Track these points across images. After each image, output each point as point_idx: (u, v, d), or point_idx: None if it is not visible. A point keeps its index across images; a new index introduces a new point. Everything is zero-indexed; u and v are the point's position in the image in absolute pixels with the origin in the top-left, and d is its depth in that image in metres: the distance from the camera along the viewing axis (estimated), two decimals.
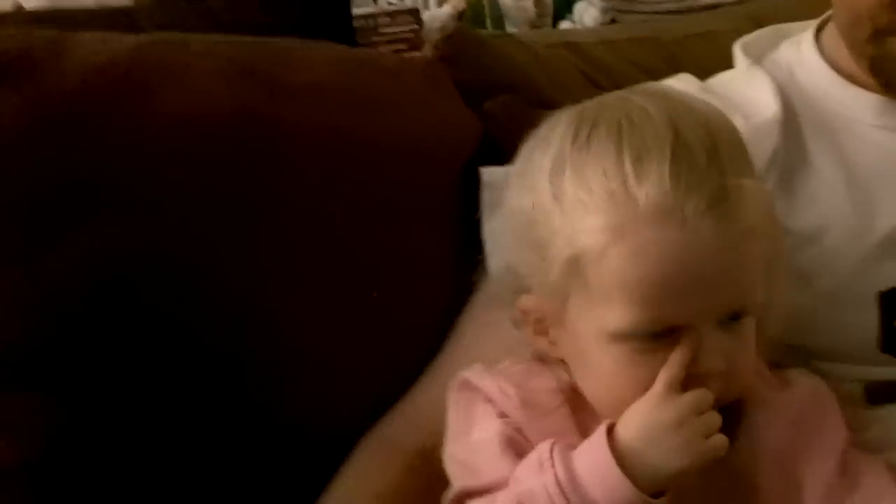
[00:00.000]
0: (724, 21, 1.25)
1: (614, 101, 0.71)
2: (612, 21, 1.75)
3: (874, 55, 0.81)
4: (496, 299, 0.77)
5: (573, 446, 0.67)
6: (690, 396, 0.65)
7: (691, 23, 1.34)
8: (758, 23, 1.02)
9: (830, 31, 0.88)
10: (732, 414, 0.70)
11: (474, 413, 0.73)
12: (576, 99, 0.73)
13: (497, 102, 0.96)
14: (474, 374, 0.75)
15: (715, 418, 0.65)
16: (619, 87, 0.85)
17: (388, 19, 1.55)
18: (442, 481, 0.73)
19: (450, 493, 0.71)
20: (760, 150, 0.81)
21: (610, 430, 0.66)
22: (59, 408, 0.79)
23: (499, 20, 1.92)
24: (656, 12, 1.72)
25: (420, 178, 0.93)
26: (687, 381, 0.66)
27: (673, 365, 0.66)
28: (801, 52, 0.90)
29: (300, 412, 0.86)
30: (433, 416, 0.79)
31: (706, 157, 0.65)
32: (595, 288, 0.66)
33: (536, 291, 0.71)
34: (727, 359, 0.67)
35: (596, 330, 0.67)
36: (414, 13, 1.60)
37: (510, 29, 1.90)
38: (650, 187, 0.64)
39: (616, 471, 0.64)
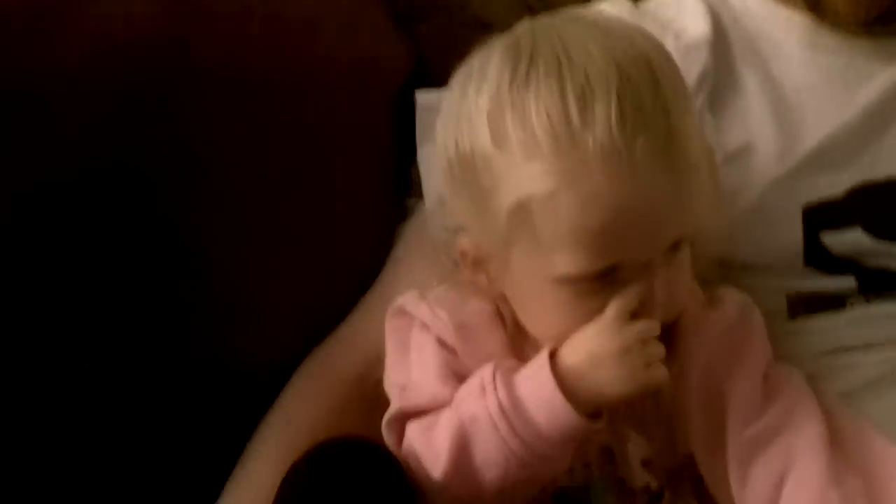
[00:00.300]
0: None
1: (549, 32, 0.68)
2: None
3: None
4: (431, 232, 0.78)
5: (514, 370, 0.68)
6: (639, 325, 0.66)
7: None
8: None
9: None
10: (664, 333, 0.71)
11: (411, 339, 0.75)
12: (507, 19, 0.72)
13: (431, 25, 0.95)
14: (409, 301, 0.76)
15: (659, 348, 0.67)
16: (550, 5, 0.85)
17: None
18: (380, 407, 0.74)
19: (387, 415, 0.72)
20: (690, 69, 0.82)
21: (552, 355, 0.67)
22: None
23: None
24: None
25: (351, 105, 0.91)
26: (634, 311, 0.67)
27: (627, 295, 0.66)
28: None
29: (233, 344, 0.86)
30: (370, 342, 0.80)
31: (651, 97, 0.64)
32: (542, 234, 0.65)
33: (475, 235, 0.70)
34: (669, 288, 0.68)
35: (542, 274, 0.67)
36: None
37: None
38: (597, 131, 0.63)
39: (558, 395, 0.65)
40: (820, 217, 0.80)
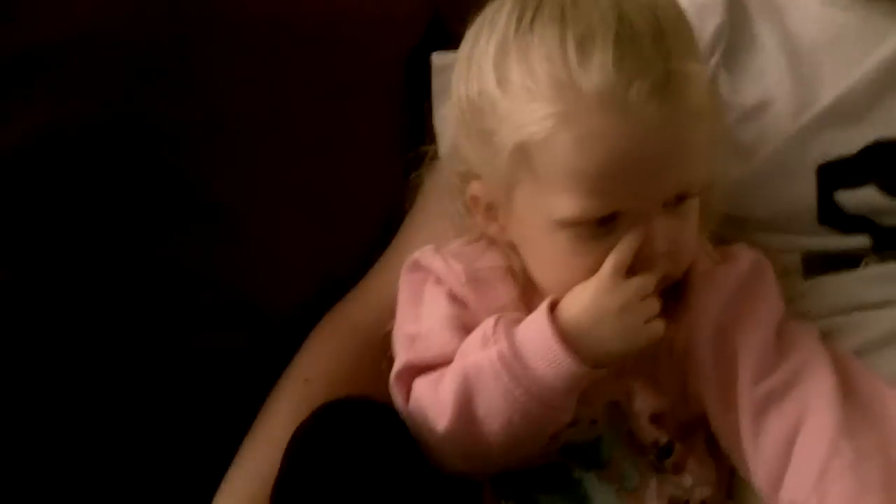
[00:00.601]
0: None
1: None
2: None
3: None
4: (446, 184, 0.78)
5: (518, 320, 0.69)
6: (636, 282, 0.67)
7: None
8: None
9: None
10: (676, 287, 0.72)
11: (423, 291, 0.75)
12: None
13: None
14: (424, 255, 0.77)
15: (655, 304, 0.68)
16: None
17: None
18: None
19: (394, 369, 0.73)
20: (705, 26, 0.82)
21: (553, 307, 0.68)
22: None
23: None
24: None
25: (364, 56, 0.91)
26: (634, 264, 0.68)
27: (622, 249, 0.67)
28: None
29: (248, 292, 0.87)
30: (387, 298, 0.81)
31: (651, 41, 0.65)
32: (542, 176, 0.67)
33: (485, 179, 0.71)
34: (673, 240, 0.68)
35: (543, 217, 0.68)
36: None
37: None
38: (594, 74, 0.64)
39: (557, 343, 0.66)
40: (834, 175, 0.80)
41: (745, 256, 0.75)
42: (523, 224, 0.71)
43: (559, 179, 0.66)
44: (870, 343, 0.76)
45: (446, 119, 0.83)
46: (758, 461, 0.70)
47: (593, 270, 0.68)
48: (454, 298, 0.74)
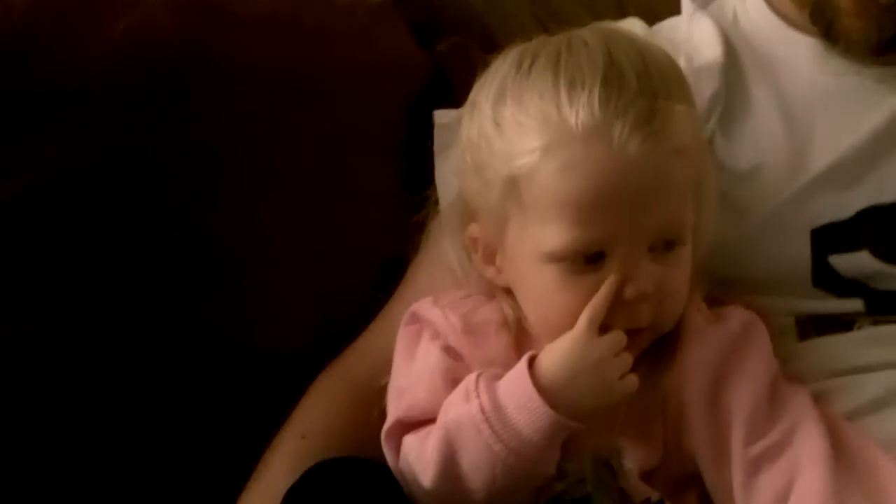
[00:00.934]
0: None
1: (559, 36, 0.74)
2: None
3: (814, 2, 0.83)
4: (448, 229, 0.80)
5: (499, 376, 0.70)
6: (610, 338, 0.68)
7: None
8: None
9: None
10: (667, 343, 0.73)
11: (417, 347, 0.76)
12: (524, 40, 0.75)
13: (449, 44, 0.97)
14: (421, 307, 0.78)
15: (628, 359, 0.69)
16: (566, 27, 0.86)
17: None
18: None
19: (385, 426, 0.73)
20: (702, 92, 0.84)
21: (532, 361, 0.69)
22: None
23: None
24: None
25: (366, 110, 0.94)
26: (617, 308, 0.69)
27: (596, 303, 0.68)
28: None
29: (247, 336, 0.88)
30: (385, 351, 0.81)
31: (637, 80, 0.68)
32: (529, 208, 0.69)
33: (482, 218, 0.73)
34: (659, 286, 0.69)
35: (532, 251, 0.70)
36: None
37: None
38: (580, 109, 0.67)
39: (536, 397, 0.67)
40: (828, 239, 0.81)
41: (737, 316, 0.76)
42: (515, 261, 0.72)
43: (545, 211, 0.68)
44: (863, 406, 0.76)
45: (447, 175, 0.85)
46: None
47: (579, 309, 0.69)
48: (449, 351, 0.74)
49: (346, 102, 0.93)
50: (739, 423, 0.71)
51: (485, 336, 0.74)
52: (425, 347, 0.76)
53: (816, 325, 0.81)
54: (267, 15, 0.91)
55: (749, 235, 0.81)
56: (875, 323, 0.80)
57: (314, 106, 0.91)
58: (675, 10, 0.95)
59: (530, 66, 0.71)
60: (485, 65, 0.75)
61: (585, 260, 0.69)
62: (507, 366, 0.70)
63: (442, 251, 0.84)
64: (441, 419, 0.70)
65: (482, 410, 0.67)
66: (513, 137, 0.69)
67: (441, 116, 0.92)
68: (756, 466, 0.70)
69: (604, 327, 0.69)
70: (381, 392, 0.78)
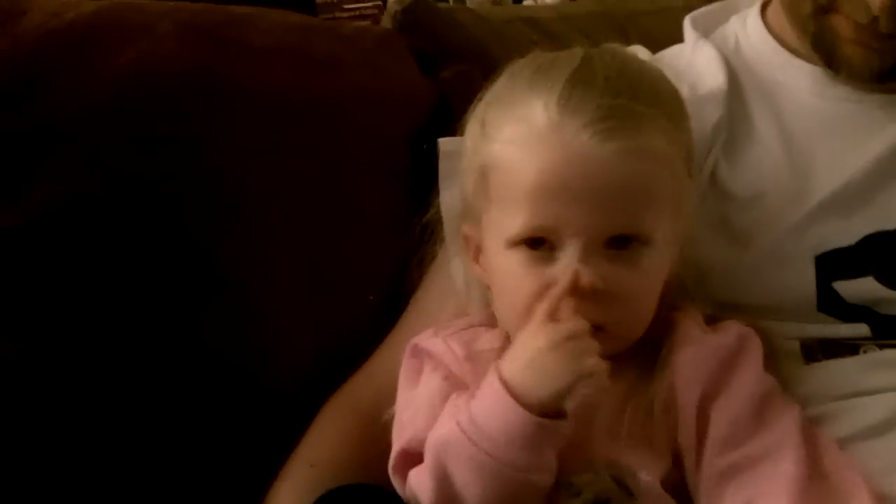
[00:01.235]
0: None
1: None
2: (572, 0, 1.77)
3: (816, 31, 0.83)
4: (454, 252, 0.82)
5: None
6: (563, 324, 0.69)
7: (646, 0, 1.37)
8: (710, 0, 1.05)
9: (775, 7, 0.91)
10: (664, 351, 0.74)
11: (420, 375, 0.77)
12: None
13: (453, 71, 0.98)
14: (423, 338, 0.79)
15: (590, 343, 0.69)
16: None
17: None
18: None
19: (391, 459, 0.74)
20: (705, 119, 0.85)
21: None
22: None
23: None
24: None
25: (371, 138, 0.95)
26: (576, 305, 0.70)
27: (550, 297, 0.70)
28: (746, 26, 0.93)
29: (250, 360, 0.88)
30: (390, 380, 0.81)
31: (603, 81, 0.71)
32: (494, 197, 0.73)
33: (469, 217, 0.77)
34: (614, 285, 0.70)
35: (497, 239, 0.73)
36: None
37: (471, 6, 1.91)
38: (542, 104, 0.71)
39: (505, 397, 0.67)
40: (832, 265, 0.81)
41: (731, 328, 0.76)
42: (489, 254, 0.75)
43: (505, 199, 0.72)
44: (867, 429, 0.76)
45: (452, 202, 0.85)
46: None
47: (536, 301, 0.70)
48: (450, 379, 0.75)
49: (350, 130, 0.94)
50: (715, 433, 0.72)
51: (487, 363, 0.73)
52: (426, 379, 0.76)
53: (822, 349, 0.81)
54: (273, 44, 0.93)
55: (754, 262, 0.81)
56: (881, 347, 0.80)
57: (319, 133, 0.92)
58: (679, 39, 0.96)
59: (519, 72, 0.75)
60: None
61: (536, 247, 0.71)
62: None
63: (447, 276, 0.84)
64: (430, 442, 0.70)
65: (459, 424, 0.69)
66: (489, 132, 0.74)
67: (445, 144, 0.92)
68: (722, 477, 0.70)
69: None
70: (388, 424, 0.78)
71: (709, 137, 0.85)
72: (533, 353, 0.68)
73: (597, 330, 0.70)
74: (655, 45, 0.96)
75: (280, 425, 0.86)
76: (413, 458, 0.73)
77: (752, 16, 0.93)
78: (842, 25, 0.81)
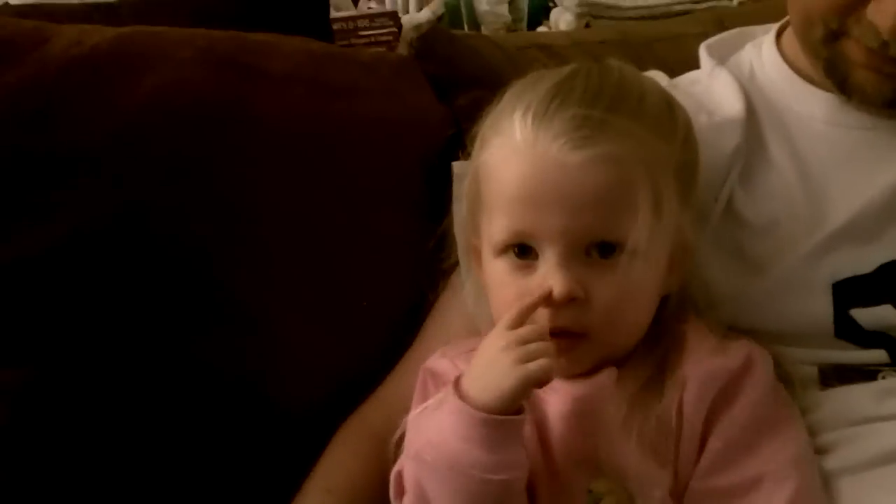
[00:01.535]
0: (692, 25, 1.28)
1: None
2: (587, 27, 1.78)
3: (828, 56, 0.83)
4: (466, 272, 0.83)
5: None
6: (521, 329, 0.70)
7: (661, 27, 1.37)
8: (725, 27, 1.05)
9: (789, 34, 0.91)
10: (671, 369, 0.74)
11: (429, 393, 0.78)
12: None
13: (469, 98, 0.99)
14: (433, 361, 0.80)
15: (545, 346, 0.70)
16: None
17: (367, 22, 1.57)
18: None
19: (392, 474, 0.75)
20: (723, 146, 0.85)
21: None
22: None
23: (475, 25, 1.94)
24: (630, 18, 1.74)
25: (387, 164, 0.96)
26: (553, 312, 0.71)
27: (518, 305, 0.71)
28: (762, 53, 0.93)
29: (270, 389, 0.89)
30: (403, 403, 0.81)
31: (581, 94, 0.73)
32: (485, 205, 0.76)
33: (472, 227, 0.79)
34: (593, 292, 0.71)
35: (488, 247, 0.76)
36: (393, 16, 1.62)
37: (486, 33, 1.93)
38: (520, 117, 0.74)
39: (456, 400, 0.69)
40: (849, 293, 0.81)
41: (742, 348, 0.76)
42: (484, 263, 0.77)
43: (492, 206, 0.74)
44: (882, 455, 0.76)
45: (463, 224, 0.86)
46: None
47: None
48: None
49: (367, 156, 0.95)
50: (707, 453, 0.72)
51: None
52: (435, 393, 0.77)
53: (839, 375, 0.81)
54: (292, 70, 0.93)
55: (770, 289, 0.81)
56: None
57: (336, 159, 0.93)
58: (694, 66, 0.96)
59: (513, 87, 0.78)
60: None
61: (517, 254, 0.73)
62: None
63: (460, 300, 0.85)
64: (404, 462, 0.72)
65: (427, 438, 0.70)
66: (482, 144, 0.77)
67: (459, 167, 0.93)
68: (703, 498, 0.71)
69: None
70: (399, 444, 0.78)
71: (726, 164, 0.85)
72: (488, 354, 0.70)
73: (580, 337, 0.72)
74: (671, 72, 0.96)
75: (296, 449, 0.86)
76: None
77: (767, 43, 0.93)
78: (853, 50, 0.81)
